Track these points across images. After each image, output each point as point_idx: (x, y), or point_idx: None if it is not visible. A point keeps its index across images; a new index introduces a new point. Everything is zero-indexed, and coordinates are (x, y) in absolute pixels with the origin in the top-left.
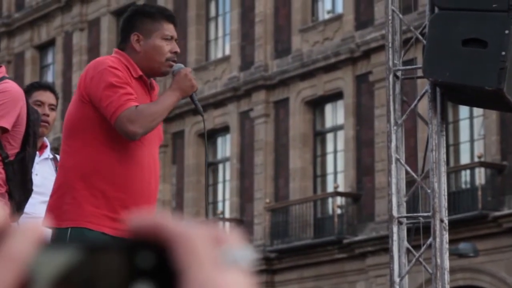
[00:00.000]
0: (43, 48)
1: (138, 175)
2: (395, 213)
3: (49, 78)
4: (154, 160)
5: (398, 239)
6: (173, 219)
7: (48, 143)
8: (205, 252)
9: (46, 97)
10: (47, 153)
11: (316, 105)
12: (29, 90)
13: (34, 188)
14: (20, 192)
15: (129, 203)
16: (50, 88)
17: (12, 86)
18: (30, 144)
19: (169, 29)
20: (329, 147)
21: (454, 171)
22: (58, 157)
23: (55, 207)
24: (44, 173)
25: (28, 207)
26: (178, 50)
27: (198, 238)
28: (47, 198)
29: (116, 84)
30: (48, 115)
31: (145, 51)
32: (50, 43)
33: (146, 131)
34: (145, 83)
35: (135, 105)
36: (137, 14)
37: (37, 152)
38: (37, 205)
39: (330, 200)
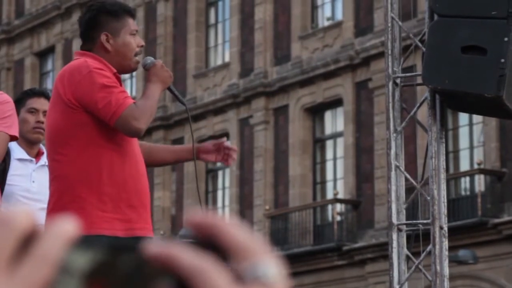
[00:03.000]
0: (43, 55)
1: (135, 171)
2: (394, 220)
3: (49, 85)
4: (140, 154)
5: (398, 246)
6: (187, 249)
7: (44, 150)
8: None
9: (40, 104)
10: (44, 159)
11: (316, 112)
12: (22, 98)
13: (32, 195)
14: None
15: (133, 201)
16: (44, 94)
17: (9, 97)
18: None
19: (133, 24)
20: (329, 154)
21: (453, 178)
22: None
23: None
24: (41, 180)
25: None
26: (143, 43)
27: (213, 272)
28: (45, 205)
29: (108, 84)
30: (42, 122)
31: (116, 49)
32: (50, 50)
33: (147, 126)
34: (119, 81)
35: (133, 103)
36: (101, 13)
37: (34, 159)
38: (35, 212)
39: (329, 207)
